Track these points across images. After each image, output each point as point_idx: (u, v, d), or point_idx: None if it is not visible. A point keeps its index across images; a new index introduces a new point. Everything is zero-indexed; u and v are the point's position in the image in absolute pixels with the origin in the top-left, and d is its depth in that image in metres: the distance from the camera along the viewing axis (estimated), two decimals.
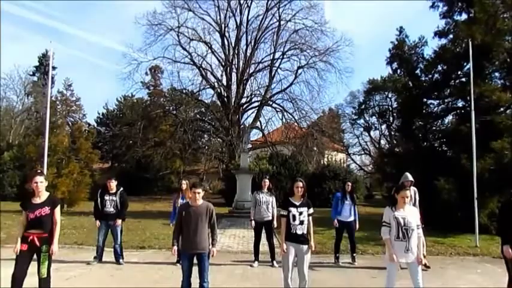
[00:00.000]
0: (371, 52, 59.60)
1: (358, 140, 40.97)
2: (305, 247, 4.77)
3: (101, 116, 39.38)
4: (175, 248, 4.76)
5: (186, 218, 4.63)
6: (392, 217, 4.41)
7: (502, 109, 12.01)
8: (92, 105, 73.38)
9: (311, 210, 4.97)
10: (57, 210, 4.58)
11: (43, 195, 4.56)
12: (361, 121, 39.45)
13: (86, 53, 65.78)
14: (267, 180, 7.55)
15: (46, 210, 4.46)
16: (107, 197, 7.17)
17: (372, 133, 39.76)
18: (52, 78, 40.95)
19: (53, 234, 4.50)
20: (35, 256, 4.52)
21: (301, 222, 4.79)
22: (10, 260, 4.59)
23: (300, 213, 4.80)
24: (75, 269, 6.72)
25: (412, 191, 7.24)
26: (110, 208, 7.13)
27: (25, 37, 62.33)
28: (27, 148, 16.90)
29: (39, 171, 5.34)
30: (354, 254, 7.61)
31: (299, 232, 4.77)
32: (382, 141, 38.24)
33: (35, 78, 39.21)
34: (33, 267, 4.52)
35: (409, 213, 4.44)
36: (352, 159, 42.11)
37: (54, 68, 41.21)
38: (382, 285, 4.71)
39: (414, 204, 7.22)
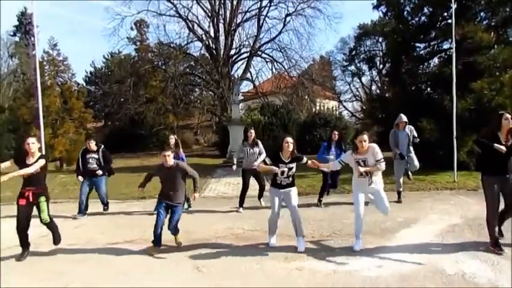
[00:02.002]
0: None
1: (350, 86, 40.99)
2: (291, 189, 5.07)
3: (89, 75, 38.81)
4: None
5: (162, 178, 5.22)
6: (353, 160, 4.83)
7: (486, 50, 12.19)
8: (78, 64, 71.50)
9: (304, 160, 5.13)
10: (42, 161, 5.06)
11: (36, 155, 5.01)
12: (352, 67, 39.29)
13: (65, 8, 63.02)
14: (252, 131, 7.76)
15: (37, 168, 4.91)
16: (88, 155, 7.60)
17: (363, 79, 39.74)
18: (34, 37, 40.02)
19: (46, 187, 5.18)
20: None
21: (289, 177, 5.04)
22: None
23: (290, 169, 4.99)
24: (82, 219, 7.30)
25: (408, 130, 7.83)
26: (93, 165, 7.57)
27: None
28: (20, 111, 17.00)
29: (32, 133, 5.75)
30: (330, 190, 8.21)
31: (284, 183, 5.03)
32: (373, 87, 38.38)
33: (17, 39, 38.08)
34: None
35: (368, 153, 4.77)
36: (344, 106, 42.39)
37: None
38: (364, 217, 5.33)
39: (411, 141, 7.81)
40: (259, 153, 7.58)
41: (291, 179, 5.07)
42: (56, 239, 5.33)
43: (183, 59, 28.62)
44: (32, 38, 39.10)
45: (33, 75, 34.66)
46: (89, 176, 7.62)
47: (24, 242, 5.07)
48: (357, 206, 4.87)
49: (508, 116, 4.61)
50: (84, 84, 38.09)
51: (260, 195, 7.96)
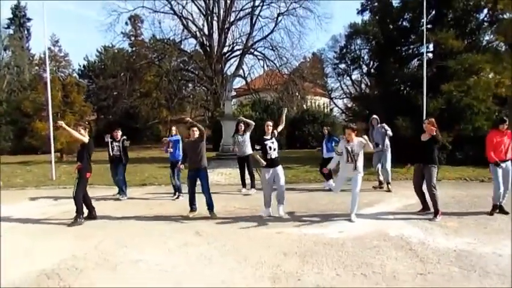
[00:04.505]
0: None
1: (340, 84, 42.11)
2: (278, 167, 6.37)
3: (82, 68, 39.31)
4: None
5: (188, 148, 6.67)
6: (344, 147, 6.04)
7: (457, 55, 13.35)
8: (71, 57, 71.47)
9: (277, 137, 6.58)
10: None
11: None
12: (343, 65, 40.39)
13: (61, 1, 63.09)
14: (242, 125, 9.21)
15: (79, 148, 6.27)
16: (114, 143, 8.65)
17: (353, 77, 40.86)
18: (28, 30, 40.39)
19: (86, 165, 6.30)
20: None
21: (274, 149, 6.39)
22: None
23: (273, 143, 6.39)
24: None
25: (382, 128, 8.98)
26: (116, 152, 8.64)
27: None
28: (24, 103, 17.78)
29: (81, 123, 6.92)
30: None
31: (273, 156, 6.37)
32: (363, 85, 39.53)
33: (11, 31, 38.42)
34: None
35: (355, 143, 6.00)
36: (334, 103, 43.55)
37: (29, 19, 40.47)
38: (336, 199, 6.49)
39: (386, 137, 8.92)
40: (248, 141, 9.00)
41: (276, 153, 6.38)
42: (77, 212, 6.30)
43: (178, 55, 29.49)
44: (26, 32, 39.72)
45: (25, 68, 35.34)
46: (112, 161, 8.74)
47: (79, 209, 6.26)
48: (337, 183, 6.26)
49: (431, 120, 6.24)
50: (77, 77, 38.66)
51: (252, 185, 9.02)
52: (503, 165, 6.08)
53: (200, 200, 6.54)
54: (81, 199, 6.31)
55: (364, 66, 37.47)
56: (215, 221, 6.13)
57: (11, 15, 38.74)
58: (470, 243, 4.67)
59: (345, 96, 43.06)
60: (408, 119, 12.86)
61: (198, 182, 6.52)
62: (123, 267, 4.23)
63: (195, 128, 6.57)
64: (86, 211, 6.45)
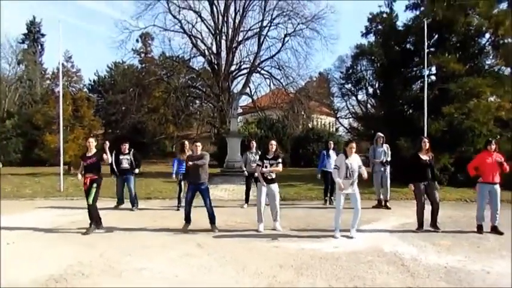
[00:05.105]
0: (360, 15, 59.89)
1: (346, 103, 42.47)
2: (274, 185, 6.60)
3: (92, 83, 40.21)
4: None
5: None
6: (344, 163, 6.17)
7: (458, 79, 13.64)
8: (82, 71, 72.98)
9: (279, 160, 6.70)
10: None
11: (93, 150, 6.59)
12: (349, 85, 40.85)
13: (70, 15, 64.98)
14: (254, 142, 9.56)
15: (94, 160, 6.48)
16: (121, 157, 8.96)
17: (359, 97, 41.25)
18: (41, 45, 41.58)
19: (100, 175, 6.59)
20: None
21: (272, 171, 6.57)
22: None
23: (271, 165, 6.59)
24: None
25: (385, 147, 9.23)
26: (125, 165, 8.94)
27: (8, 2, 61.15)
28: (36, 116, 18.29)
29: (92, 135, 7.25)
30: (332, 197, 9.47)
31: (269, 177, 6.61)
32: (369, 106, 39.84)
33: (25, 46, 39.59)
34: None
35: (354, 160, 6.19)
36: (340, 123, 43.84)
37: (43, 35, 41.75)
38: (332, 215, 6.66)
39: (387, 157, 9.15)
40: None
41: (273, 175, 6.56)
42: (91, 221, 6.60)
43: (186, 72, 30.15)
44: (40, 47, 40.87)
45: (36, 81, 36.19)
46: (121, 174, 9.00)
47: (91, 218, 6.55)
48: (338, 201, 6.27)
49: (426, 140, 6.54)
50: (87, 92, 39.50)
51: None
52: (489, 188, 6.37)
53: (202, 213, 6.76)
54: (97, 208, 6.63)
55: (369, 87, 38.08)
56: (216, 234, 6.36)
57: (26, 31, 40.05)
58: (461, 261, 4.83)
59: (350, 116, 43.44)
60: (410, 140, 13.07)
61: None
62: (127, 274, 4.45)
63: (199, 144, 6.85)
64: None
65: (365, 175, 6.16)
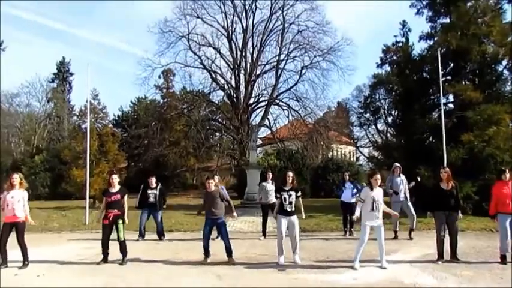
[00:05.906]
0: (377, 46, 60.63)
1: (366, 132, 42.31)
2: (293, 217, 6.66)
3: (116, 118, 41.68)
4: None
5: (206, 199, 6.96)
6: (369, 195, 6.21)
7: (475, 106, 13.60)
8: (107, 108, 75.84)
9: (298, 193, 6.83)
10: (125, 197, 6.82)
11: (116, 187, 6.81)
12: (367, 115, 40.88)
13: (96, 56, 68.32)
14: (270, 174, 9.73)
15: (118, 196, 6.67)
16: (149, 191, 9.27)
17: (379, 126, 41.10)
18: (69, 84, 43.76)
19: (123, 211, 6.67)
20: None
21: (290, 203, 6.65)
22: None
23: (289, 196, 6.66)
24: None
25: (402, 177, 9.23)
26: (152, 199, 9.23)
27: (41, 44, 65.12)
28: (64, 152, 19.10)
29: (114, 171, 7.56)
30: (352, 229, 9.50)
31: (288, 209, 6.66)
32: (388, 134, 39.58)
33: (55, 85, 41.75)
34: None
35: (379, 193, 6.26)
36: (360, 152, 43.55)
37: (71, 74, 44.04)
38: (352, 246, 6.67)
39: (405, 188, 9.16)
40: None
41: (293, 206, 6.64)
42: (124, 254, 6.82)
43: (206, 105, 31.03)
44: (68, 85, 42.96)
45: (65, 118, 37.78)
46: (147, 208, 9.26)
47: (104, 252, 6.76)
48: (363, 233, 6.21)
49: (443, 170, 6.62)
50: (112, 127, 40.88)
51: None
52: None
53: (222, 245, 6.90)
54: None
55: (387, 116, 37.99)
56: (236, 266, 6.45)
57: (56, 70, 42.37)
58: None
59: (370, 145, 43.16)
60: (430, 169, 12.95)
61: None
62: None
63: (211, 181, 6.96)
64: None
65: (394, 213, 6.59)
